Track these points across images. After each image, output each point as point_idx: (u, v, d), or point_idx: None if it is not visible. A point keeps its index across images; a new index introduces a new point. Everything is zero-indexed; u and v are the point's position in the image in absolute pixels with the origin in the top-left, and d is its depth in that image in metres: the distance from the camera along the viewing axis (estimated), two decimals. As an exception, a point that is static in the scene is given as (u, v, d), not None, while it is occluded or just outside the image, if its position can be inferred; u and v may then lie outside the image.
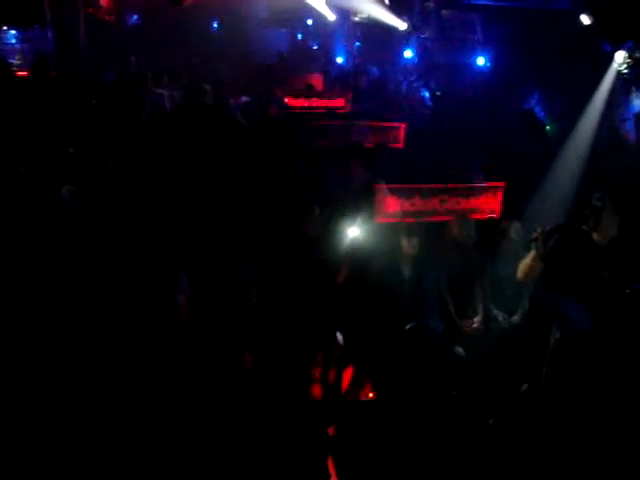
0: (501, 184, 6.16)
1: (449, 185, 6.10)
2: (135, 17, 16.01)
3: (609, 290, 3.33)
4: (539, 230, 3.91)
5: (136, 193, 5.82)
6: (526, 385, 3.21)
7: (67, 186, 5.66)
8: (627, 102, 6.87)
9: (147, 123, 7.90)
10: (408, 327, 4.36)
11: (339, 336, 5.39)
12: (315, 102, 10.48)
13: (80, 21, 10.36)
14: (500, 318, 5.52)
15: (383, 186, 5.92)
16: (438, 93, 11.74)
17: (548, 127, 8.33)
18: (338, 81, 12.85)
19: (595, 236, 4.30)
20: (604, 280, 3.50)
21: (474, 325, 5.56)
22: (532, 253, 4.50)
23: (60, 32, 10.38)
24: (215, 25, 18.90)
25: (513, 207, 6.15)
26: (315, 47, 18.46)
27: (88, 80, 9.79)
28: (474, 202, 6.16)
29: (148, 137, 6.94)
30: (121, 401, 3.04)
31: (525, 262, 4.60)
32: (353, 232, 5.19)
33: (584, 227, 4.51)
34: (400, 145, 8.24)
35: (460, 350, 5.30)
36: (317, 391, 5.31)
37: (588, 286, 3.27)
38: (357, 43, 16.68)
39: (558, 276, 3.64)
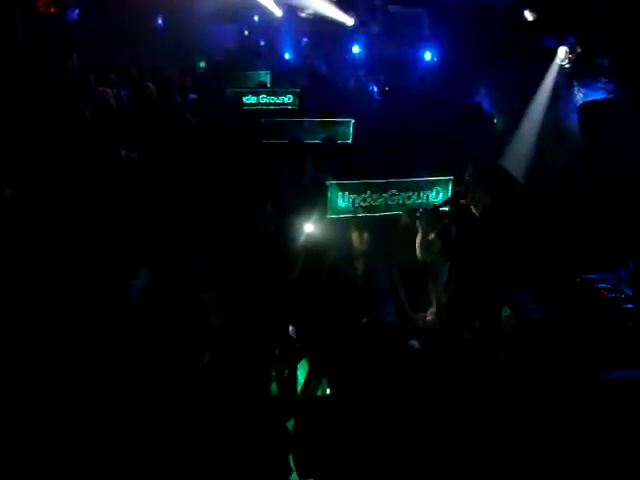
0: (451, 177, 6.25)
1: (399, 179, 6.15)
2: (77, 11, 15.59)
3: (560, 280, 3.41)
4: (421, 209, 4.19)
5: (81, 193, 5.68)
6: (484, 375, 3.25)
7: (9, 189, 5.50)
8: (570, 96, 7.04)
9: (91, 122, 7.69)
10: (364, 321, 4.35)
11: (291, 329, 5.38)
12: (264, 98, 10.42)
13: (17, 13, 9.93)
14: None
15: (333, 182, 5.92)
16: (387, 88, 11.83)
17: (495, 120, 8.49)
18: (286, 77, 12.80)
19: (473, 209, 4.48)
20: (555, 270, 3.58)
21: (428, 318, 5.62)
22: (419, 233, 4.64)
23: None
24: (160, 22, 18.64)
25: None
26: (262, 43, 18.37)
27: (28, 77, 9.46)
28: (425, 196, 6.23)
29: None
30: (68, 401, 2.95)
31: (417, 243, 4.72)
32: (308, 228, 5.18)
33: (462, 202, 4.71)
34: (349, 141, 8.27)
35: (415, 343, 5.34)
36: (274, 386, 5.30)
37: (540, 277, 3.35)
38: (305, 39, 16.67)
39: (454, 248, 3.83)
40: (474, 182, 4.41)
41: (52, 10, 11.18)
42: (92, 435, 2.79)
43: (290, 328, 5.37)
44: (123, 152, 6.64)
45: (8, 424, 2.89)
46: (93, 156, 6.21)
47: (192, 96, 10.54)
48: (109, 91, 9.77)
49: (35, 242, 4.77)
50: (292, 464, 3.10)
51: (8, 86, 8.59)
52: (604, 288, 3.25)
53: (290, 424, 3.29)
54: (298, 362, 5.46)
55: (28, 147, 6.37)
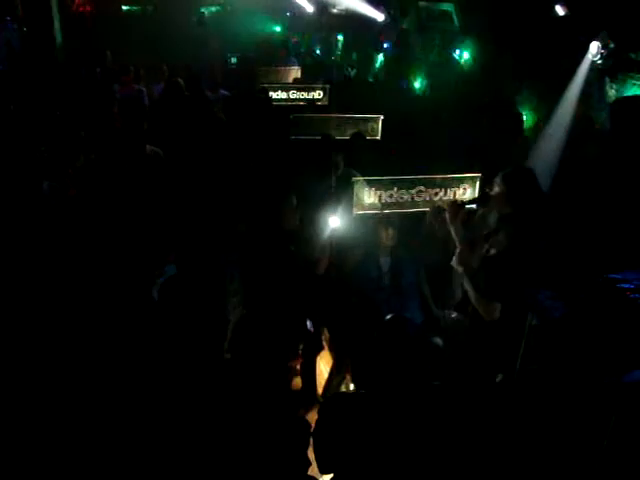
0: (479, 174, 6.21)
1: (427, 176, 6.14)
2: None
3: (582, 279, 3.37)
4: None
5: (114, 187, 5.80)
6: (501, 376, 3.24)
7: (47, 181, 5.65)
8: (601, 92, 6.93)
9: (121, 117, 7.85)
10: (388, 318, 4.39)
11: (309, 324, 5.43)
12: (294, 94, 10.45)
13: (53, 12, 10.14)
14: None
15: (360, 178, 5.93)
16: (417, 84, 11.79)
17: (525, 117, 8.40)
18: (317, 73, 12.83)
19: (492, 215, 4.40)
20: (577, 269, 3.54)
21: (453, 315, 5.61)
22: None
23: (32, 24, 10.19)
24: (194, 18, 18.86)
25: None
26: (295, 39, 18.43)
27: (63, 74, 9.69)
28: (452, 193, 6.21)
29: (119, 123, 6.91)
30: (91, 393, 3.04)
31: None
32: (334, 224, 5.21)
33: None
34: (378, 137, 8.25)
35: (439, 340, 5.34)
36: (296, 381, 5.36)
37: (561, 275, 3.32)
38: (339, 36, 16.70)
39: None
40: (501, 191, 4.33)
41: (88, 9, 11.40)
42: (116, 424, 2.87)
43: (308, 322, 5.42)
44: (149, 147, 6.77)
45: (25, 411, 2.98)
46: (120, 151, 6.35)
47: (223, 92, 10.66)
48: (143, 89, 9.97)
49: (67, 235, 4.90)
50: (311, 457, 3.14)
51: (44, 82, 8.81)
52: (627, 288, 3.19)
53: (310, 417, 3.34)
54: (316, 355, 5.52)
55: (62, 142, 6.53)
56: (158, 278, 3.99)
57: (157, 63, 11.36)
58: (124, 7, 18.19)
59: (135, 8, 18.54)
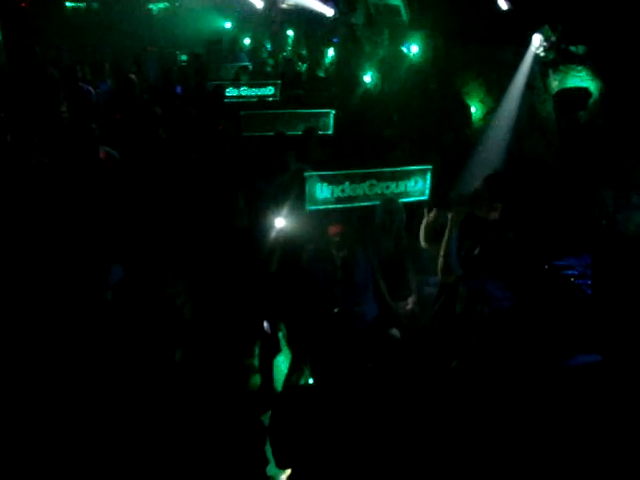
0: (429, 167, 6.30)
1: (378, 169, 6.20)
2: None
3: (529, 267, 3.45)
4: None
5: (61, 188, 5.69)
6: (455, 362, 3.29)
7: None
8: (545, 84, 7.09)
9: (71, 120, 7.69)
10: (334, 312, 4.43)
11: (266, 325, 5.41)
12: (245, 91, 10.39)
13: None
14: None
15: (313, 173, 5.94)
16: (368, 78, 11.83)
17: (474, 109, 8.53)
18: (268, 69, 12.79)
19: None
20: (523, 259, 3.62)
21: (408, 307, 5.67)
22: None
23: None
24: (144, 13, 18.63)
25: (439, 189, 6.30)
26: (246, 35, 18.33)
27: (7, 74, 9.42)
28: (403, 185, 6.28)
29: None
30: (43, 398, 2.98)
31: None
32: (281, 221, 5.20)
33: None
34: (330, 132, 8.27)
35: (396, 332, 5.40)
36: (253, 380, 5.34)
37: (507, 264, 3.39)
38: (289, 31, 16.65)
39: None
40: (486, 195, 4.31)
41: (23, 5, 11.05)
42: (70, 428, 2.83)
43: (265, 324, 5.40)
44: (102, 149, 6.64)
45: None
46: (71, 154, 6.21)
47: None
48: (91, 89, 9.78)
49: (16, 236, 4.79)
50: (269, 455, 3.13)
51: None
52: (572, 274, 3.28)
53: (267, 416, 3.33)
54: (274, 357, 5.50)
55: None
56: (106, 277, 3.92)
57: (100, 61, 11.20)
58: (68, 4, 17.82)
59: (79, 5, 18.16)
